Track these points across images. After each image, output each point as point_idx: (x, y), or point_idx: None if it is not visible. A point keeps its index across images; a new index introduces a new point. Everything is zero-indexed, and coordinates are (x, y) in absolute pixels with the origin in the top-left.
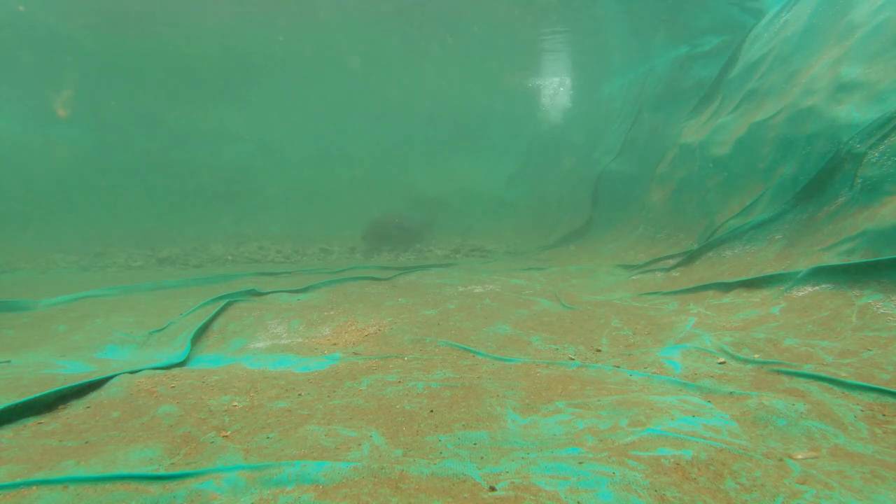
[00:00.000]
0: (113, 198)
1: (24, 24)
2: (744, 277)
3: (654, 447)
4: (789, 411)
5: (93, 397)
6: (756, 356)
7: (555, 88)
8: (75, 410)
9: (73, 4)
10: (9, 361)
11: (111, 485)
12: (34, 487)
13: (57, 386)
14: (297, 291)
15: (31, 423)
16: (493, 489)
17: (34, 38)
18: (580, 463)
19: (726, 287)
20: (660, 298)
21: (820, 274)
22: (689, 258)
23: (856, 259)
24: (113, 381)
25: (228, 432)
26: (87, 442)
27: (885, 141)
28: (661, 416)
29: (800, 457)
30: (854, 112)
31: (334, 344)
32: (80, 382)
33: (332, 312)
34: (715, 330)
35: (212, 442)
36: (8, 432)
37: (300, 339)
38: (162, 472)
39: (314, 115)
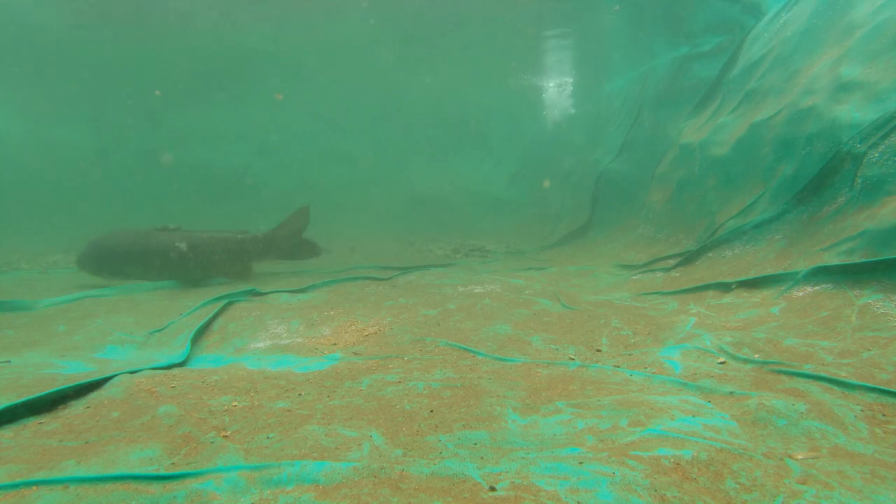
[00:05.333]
0: (113, 198)
1: (24, 24)
2: (744, 277)
3: (654, 447)
4: (789, 411)
5: (93, 397)
6: (756, 356)
7: (555, 88)
8: (75, 410)
9: (73, 4)
10: (9, 361)
11: (111, 485)
12: (34, 487)
13: (57, 386)
14: (297, 291)
15: (31, 423)
16: (493, 489)
17: (34, 37)
18: (580, 463)
19: (726, 287)
20: (660, 298)
21: (820, 274)
22: (689, 258)
23: (856, 259)
24: (113, 381)
25: (228, 432)
26: (87, 442)
27: (885, 141)
28: (661, 416)
29: (800, 457)
30: (854, 112)
31: (334, 344)
32: (80, 382)
33: (332, 312)
34: (715, 330)
35: (212, 442)
36: (8, 432)
37: (300, 339)
38: (162, 472)
39: (314, 116)
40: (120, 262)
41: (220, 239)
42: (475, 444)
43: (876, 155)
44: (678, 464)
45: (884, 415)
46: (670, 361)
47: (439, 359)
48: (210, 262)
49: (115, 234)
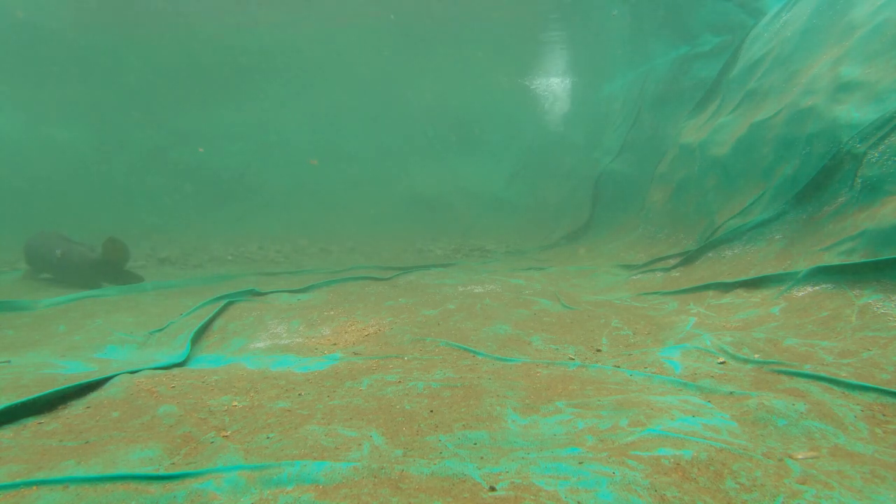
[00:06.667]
0: (113, 198)
1: (24, 23)
2: (744, 277)
3: (654, 447)
4: (789, 411)
5: (93, 397)
6: (756, 356)
7: (555, 88)
8: (75, 410)
9: (73, 3)
10: (9, 361)
11: (111, 485)
12: (34, 487)
13: (57, 386)
14: (297, 291)
15: (31, 423)
16: (493, 489)
17: (34, 37)
18: (580, 463)
19: (726, 287)
20: (660, 298)
21: (820, 274)
22: (689, 258)
23: (856, 259)
24: (113, 381)
25: (228, 432)
26: (87, 442)
27: (885, 141)
28: (661, 416)
29: (800, 457)
30: (854, 112)
31: (334, 344)
32: (80, 382)
33: (332, 312)
34: (715, 330)
35: (212, 442)
36: (8, 432)
37: (300, 339)
38: (162, 472)
39: (314, 116)
40: (31, 258)
41: (78, 251)
42: (475, 444)
43: (876, 155)
44: (678, 464)
45: (884, 415)
46: (670, 361)
47: (439, 359)
48: (71, 270)
49: (37, 235)
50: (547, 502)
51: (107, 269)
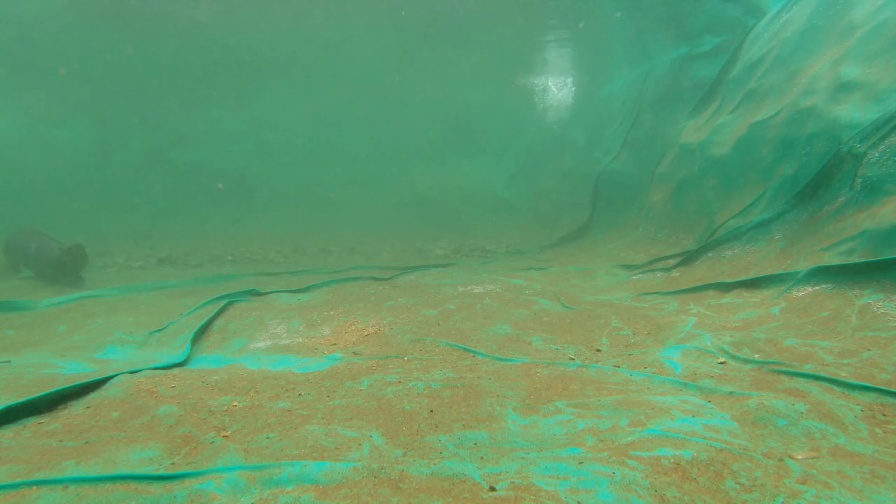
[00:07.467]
0: (113, 198)
1: (24, 23)
2: (744, 277)
3: (654, 447)
4: (789, 411)
5: (93, 397)
6: (756, 356)
7: (555, 88)
8: (75, 410)
9: (73, 3)
10: (9, 361)
11: (111, 485)
12: (34, 487)
13: (57, 386)
14: (297, 291)
15: (31, 423)
16: (493, 489)
17: (34, 37)
18: (580, 463)
19: (726, 287)
20: (660, 298)
21: (820, 274)
22: (689, 258)
23: (856, 259)
24: (113, 381)
25: (228, 432)
26: (87, 442)
27: (885, 141)
28: (661, 416)
29: (800, 457)
30: (854, 112)
31: (334, 344)
32: (80, 382)
33: (332, 312)
34: (715, 330)
35: (212, 442)
36: (8, 432)
37: (300, 339)
38: (162, 472)
39: (314, 116)
40: (10, 253)
41: (49, 246)
42: (475, 444)
43: (876, 155)
44: (678, 464)
45: (884, 415)
46: (670, 361)
47: (439, 359)
48: (44, 264)
49: (17, 231)
50: (547, 502)
51: (66, 268)
